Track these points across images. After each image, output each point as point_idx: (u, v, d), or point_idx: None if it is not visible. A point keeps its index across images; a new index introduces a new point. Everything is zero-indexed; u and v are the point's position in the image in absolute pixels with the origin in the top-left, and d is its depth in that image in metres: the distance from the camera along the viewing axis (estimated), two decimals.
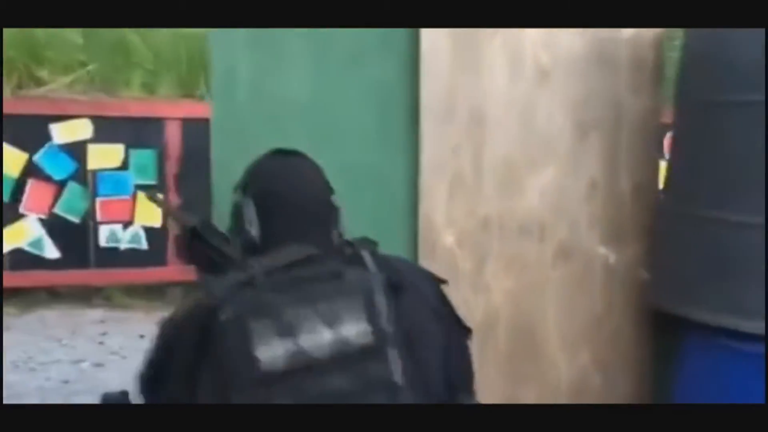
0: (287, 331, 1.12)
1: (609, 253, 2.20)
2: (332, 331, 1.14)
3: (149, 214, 5.87)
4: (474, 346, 1.88)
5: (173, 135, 5.94)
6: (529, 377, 2.13)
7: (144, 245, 5.98)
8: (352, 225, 1.94)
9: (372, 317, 1.17)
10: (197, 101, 5.94)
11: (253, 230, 1.26)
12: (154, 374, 1.22)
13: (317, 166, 1.38)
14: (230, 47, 1.93)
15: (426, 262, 1.99)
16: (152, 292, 5.76)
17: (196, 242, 1.34)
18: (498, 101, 2.07)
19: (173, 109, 5.94)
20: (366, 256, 1.27)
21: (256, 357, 1.10)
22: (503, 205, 2.09)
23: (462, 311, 1.93)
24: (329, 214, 1.33)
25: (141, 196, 5.85)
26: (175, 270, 5.37)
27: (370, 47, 1.99)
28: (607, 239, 2.19)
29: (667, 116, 2.25)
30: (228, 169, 1.88)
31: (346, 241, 1.34)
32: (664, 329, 2.16)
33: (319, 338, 1.14)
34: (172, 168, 5.98)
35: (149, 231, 5.96)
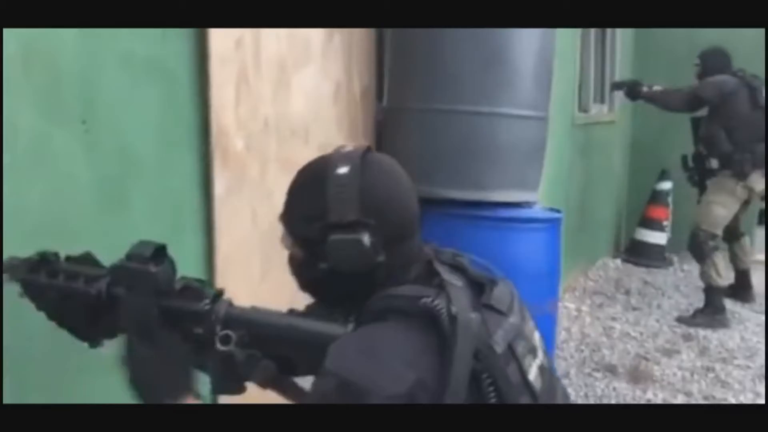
0: (533, 349, 1.08)
1: None
2: (534, 338, 1.13)
3: None
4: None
5: None
6: None
7: None
8: (138, 125, 1.64)
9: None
10: None
11: (381, 258, 1.06)
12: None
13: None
14: None
15: (219, 169, 1.82)
16: None
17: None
18: None
19: None
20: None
21: (532, 384, 1.05)
22: (278, 107, 2.02)
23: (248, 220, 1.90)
24: None
25: None
26: None
27: None
28: (348, 137, 2.34)
29: None
30: None
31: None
32: None
33: (539, 349, 1.11)
34: None
35: None
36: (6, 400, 1.36)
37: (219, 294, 1.14)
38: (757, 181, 4.11)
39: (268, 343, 1.10)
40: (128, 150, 1.63)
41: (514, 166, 2.27)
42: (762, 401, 3.13)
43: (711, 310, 4.13)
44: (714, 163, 4.24)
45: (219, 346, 1.08)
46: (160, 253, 1.14)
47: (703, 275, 4.15)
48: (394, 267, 1.07)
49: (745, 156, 4.04)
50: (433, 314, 0.99)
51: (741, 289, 4.56)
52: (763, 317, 4.28)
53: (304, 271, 1.11)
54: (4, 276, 1.26)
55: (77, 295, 1.18)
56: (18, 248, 1.36)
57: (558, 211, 2.50)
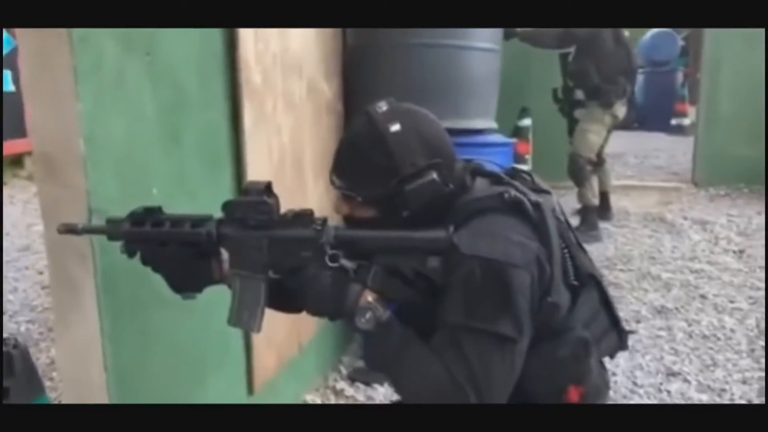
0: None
1: (327, 88, 2.42)
2: None
3: None
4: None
5: None
6: None
7: None
8: (184, 60, 1.64)
9: None
10: None
11: (451, 186, 1.26)
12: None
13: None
14: None
15: (247, 103, 1.84)
16: None
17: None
18: None
19: None
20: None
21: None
22: (282, 43, 2.04)
23: (266, 153, 1.97)
24: None
25: None
26: None
27: None
28: (326, 73, 2.40)
29: None
30: None
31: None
32: None
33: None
34: None
35: None
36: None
37: (324, 220, 1.22)
38: (619, 109, 4.68)
39: (374, 255, 1.20)
40: (179, 83, 1.61)
41: (484, 95, 2.47)
42: (654, 297, 3.68)
43: (587, 228, 4.67)
44: (580, 95, 4.74)
45: (330, 264, 1.18)
46: (269, 188, 1.21)
47: (582, 197, 4.67)
48: (456, 184, 1.27)
49: (610, 87, 4.57)
50: (519, 203, 1.21)
51: (602, 209, 5.18)
52: (625, 230, 4.94)
53: (381, 223, 1.23)
54: (106, 236, 1.24)
55: (184, 239, 1.22)
56: (107, 184, 1.35)
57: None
